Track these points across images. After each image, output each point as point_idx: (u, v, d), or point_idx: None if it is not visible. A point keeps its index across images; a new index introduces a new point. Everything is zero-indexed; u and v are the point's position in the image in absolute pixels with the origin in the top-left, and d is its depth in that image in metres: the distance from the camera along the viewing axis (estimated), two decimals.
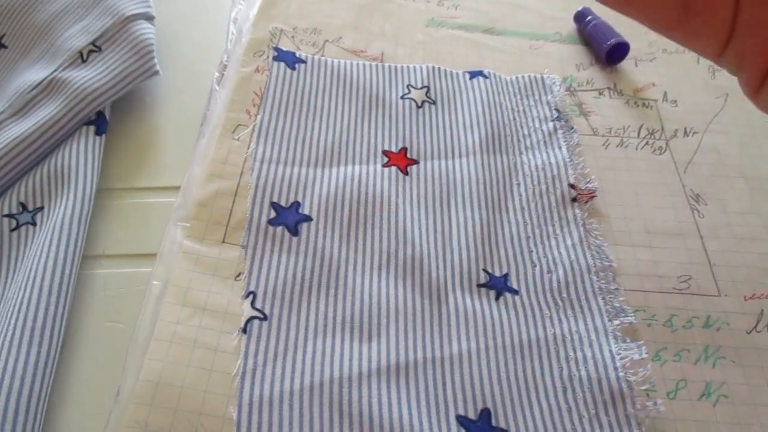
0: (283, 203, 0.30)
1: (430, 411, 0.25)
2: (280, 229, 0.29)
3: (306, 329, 0.27)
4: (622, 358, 0.27)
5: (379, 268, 0.29)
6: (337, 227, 0.30)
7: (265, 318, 0.27)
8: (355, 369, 0.25)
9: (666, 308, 0.29)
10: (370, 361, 0.26)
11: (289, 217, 0.30)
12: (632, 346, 0.27)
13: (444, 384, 0.26)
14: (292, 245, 0.29)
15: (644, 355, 0.27)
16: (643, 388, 0.26)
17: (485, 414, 0.25)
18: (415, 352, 0.26)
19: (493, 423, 0.25)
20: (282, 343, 0.26)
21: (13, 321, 0.25)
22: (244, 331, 0.26)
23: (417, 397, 0.25)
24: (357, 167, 0.32)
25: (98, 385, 0.26)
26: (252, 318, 0.27)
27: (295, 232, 0.29)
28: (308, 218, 0.30)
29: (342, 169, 0.32)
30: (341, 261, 0.29)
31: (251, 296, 0.27)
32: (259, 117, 0.34)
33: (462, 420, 0.25)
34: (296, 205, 0.31)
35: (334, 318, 0.27)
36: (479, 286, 0.29)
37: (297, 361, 0.25)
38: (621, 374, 0.26)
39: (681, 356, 0.28)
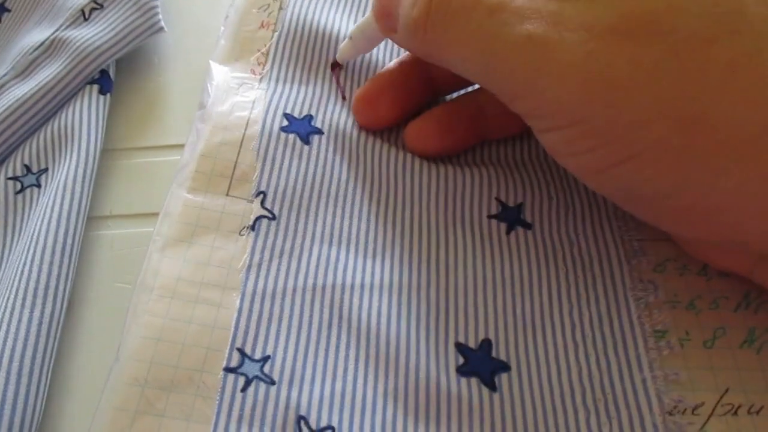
0: (296, 115, 0.30)
1: (429, 333, 0.24)
2: (292, 136, 0.29)
3: (312, 235, 0.27)
4: (637, 299, 0.25)
5: (387, 194, 0.28)
6: (347, 146, 0.30)
7: (273, 218, 0.27)
8: (358, 279, 0.25)
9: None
10: (373, 275, 0.26)
11: (301, 127, 0.30)
12: (649, 287, 0.26)
13: (447, 310, 0.25)
14: (303, 152, 0.29)
15: (660, 297, 0.25)
16: (657, 329, 0.24)
17: (486, 344, 0.24)
18: (419, 275, 0.26)
19: (493, 354, 0.24)
20: (288, 243, 0.26)
21: (16, 282, 0.25)
22: (252, 228, 0.26)
23: (417, 318, 0.25)
24: None
25: (106, 345, 0.25)
26: (261, 217, 0.27)
27: (306, 141, 0.29)
28: (320, 131, 0.30)
29: None
30: (350, 179, 0.28)
31: (261, 196, 0.27)
32: (276, 33, 0.34)
33: (461, 348, 0.24)
34: (309, 117, 0.30)
35: (340, 230, 0.27)
36: (490, 217, 0.28)
37: (302, 262, 0.26)
38: (634, 315, 0.25)
39: (718, 304, 0.25)
